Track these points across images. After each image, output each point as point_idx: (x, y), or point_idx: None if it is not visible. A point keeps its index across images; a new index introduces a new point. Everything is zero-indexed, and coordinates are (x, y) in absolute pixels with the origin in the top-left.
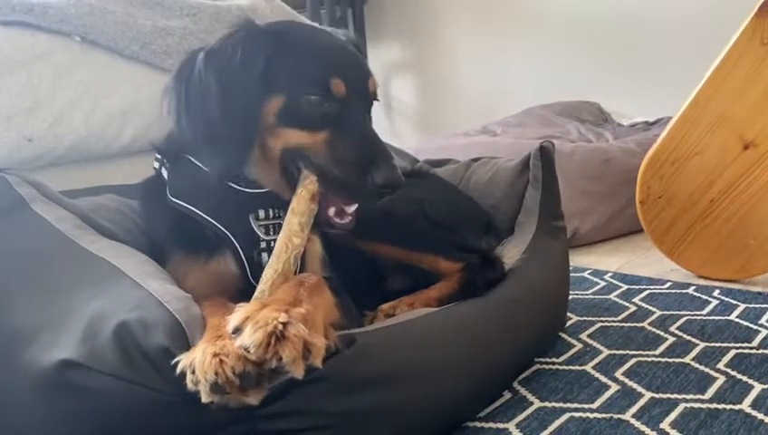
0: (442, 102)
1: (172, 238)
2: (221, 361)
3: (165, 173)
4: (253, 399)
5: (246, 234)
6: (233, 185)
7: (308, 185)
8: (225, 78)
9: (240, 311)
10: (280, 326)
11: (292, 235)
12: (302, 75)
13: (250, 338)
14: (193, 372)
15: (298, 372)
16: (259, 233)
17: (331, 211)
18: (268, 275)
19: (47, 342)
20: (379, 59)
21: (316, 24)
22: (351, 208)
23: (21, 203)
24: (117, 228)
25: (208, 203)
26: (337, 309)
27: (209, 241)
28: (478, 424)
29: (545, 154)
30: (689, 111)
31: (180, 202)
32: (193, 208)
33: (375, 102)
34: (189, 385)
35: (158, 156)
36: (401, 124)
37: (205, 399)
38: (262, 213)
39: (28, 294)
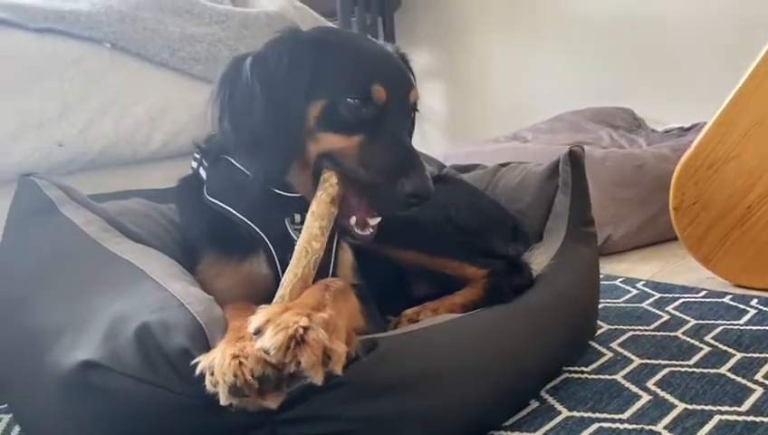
0: (472, 109)
1: (206, 238)
2: (240, 363)
3: (203, 173)
4: (271, 403)
5: (281, 237)
6: (275, 190)
7: (328, 188)
8: (272, 85)
9: (262, 313)
10: (301, 330)
11: (311, 239)
12: (345, 80)
13: (270, 340)
14: (212, 374)
15: (317, 378)
16: (294, 237)
17: (353, 221)
18: (288, 279)
19: (70, 342)
20: None
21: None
22: (374, 221)
23: (50, 206)
24: (143, 231)
25: (245, 204)
26: (362, 316)
27: (243, 242)
28: (503, 433)
29: (575, 158)
30: (726, 114)
31: (217, 201)
32: (229, 208)
33: (415, 113)
34: (208, 387)
35: (197, 155)
36: (431, 131)
37: (223, 401)
38: (298, 217)
39: (54, 295)
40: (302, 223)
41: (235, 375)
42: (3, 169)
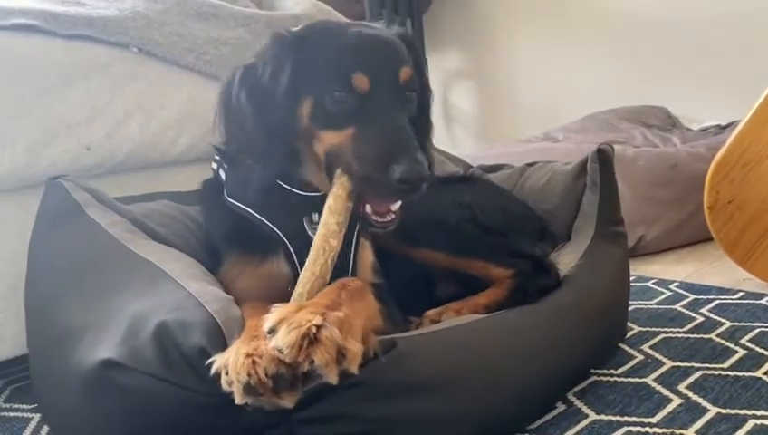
0: (502, 110)
1: (227, 238)
2: (254, 362)
3: (222, 175)
4: (287, 402)
5: (300, 237)
6: (288, 187)
7: (344, 182)
8: (256, 93)
9: (276, 312)
10: (314, 329)
11: (329, 235)
12: (326, 73)
13: (283, 339)
14: (227, 373)
15: (331, 377)
16: (312, 235)
17: (368, 209)
18: (305, 278)
19: (92, 341)
20: (438, 67)
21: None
22: (395, 206)
23: (76, 208)
24: (168, 232)
25: (264, 204)
26: (380, 316)
27: (263, 242)
28: None
29: (603, 156)
30: (761, 110)
31: (236, 202)
32: (248, 209)
33: (411, 93)
34: (224, 386)
35: (217, 157)
36: (461, 133)
37: (238, 400)
38: (316, 216)
39: (78, 295)
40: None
41: (249, 374)
42: (32, 172)
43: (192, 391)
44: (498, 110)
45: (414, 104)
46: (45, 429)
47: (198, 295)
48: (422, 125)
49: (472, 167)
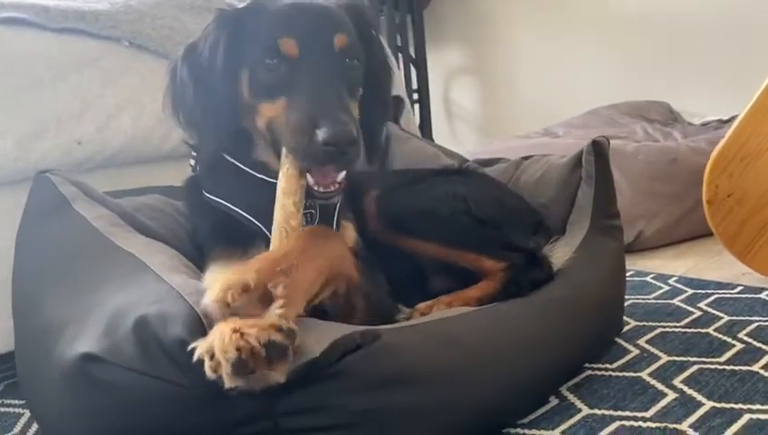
0: (503, 106)
1: (210, 234)
2: (242, 334)
3: (199, 170)
4: (278, 375)
5: None
6: (263, 177)
7: (293, 161)
8: (196, 69)
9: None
10: (228, 282)
11: (288, 217)
12: (257, 43)
13: (210, 296)
14: (212, 358)
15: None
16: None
17: (310, 180)
18: None
19: (73, 335)
20: (438, 63)
21: None
22: (340, 176)
23: (63, 202)
24: (158, 226)
25: (240, 197)
26: (352, 265)
27: (244, 235)
28: (520, 431)
29: (598, 149)
30: (759, 103)
31: (214, 198)
32: (226, 203)
33: (351, 61)
34: (208, 373)
35: (194, 153)
36: (462, 129)
37: (228, 383)
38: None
39: (61, 289)
40: None
41: (238, 348)
42: (23, 166)
43: (173, 383)
44: (499, 105)
45: (357, 74)
46: (36, 425)
47: (179, 288)
48: (376, 103)
49: (468, 160)
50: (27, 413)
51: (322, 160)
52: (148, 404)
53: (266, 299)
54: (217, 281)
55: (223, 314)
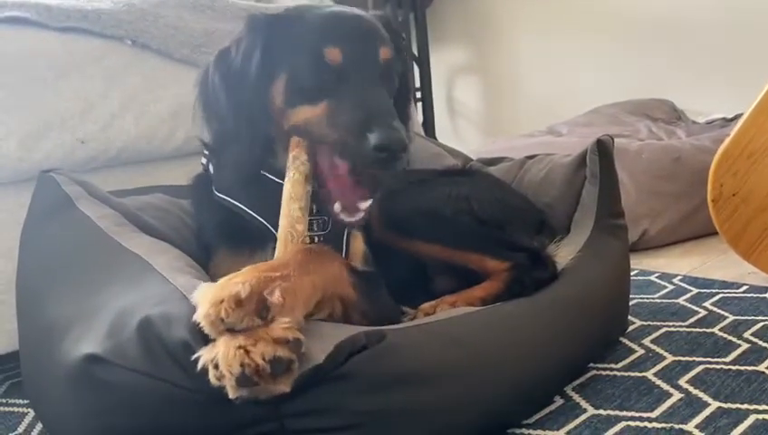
0: (507, 105)
1: (217, 234)
2: (247, 351)
3: (211, 168)
4: (283, 387)
5: None
6: (274, 178)
7: (299, 166)
8: (229, 76)
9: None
10: (219, 295)
11: (294, 222)
12: (299, 50)
13: (200, 312)
14: (216, 367)
15: (245, 324)
16: None
17: (337, 208)
18: None
19: (77, 336)
20: (442, 62)
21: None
22: (365, 204)
23: (67, 201)
24: (162, 225)
25: (252, 197)
26: (351, 287)
27: (253, 236)
28: (525, 431)
29: (603, 148)
30: (765, 100)
31: (224, 197)
32: (236, 203)
33: (391, 72)
34: (213, 381)
35: (206, 152)
36: (465, 127)
37: (232, 394)
38: None
39: (65, 289)
40: None
41: (242, 365)
42: (26, 166)
43: (177, 386)
44: (503, 104)
45: (394, 86)
46: (40, 424)
47: (183, 289)
48: (402, 110)
49: (471, 160)
50: (31, 413)
51: (373, 164)
52: (151, 405)
53: (262, 309)
54: (207, 295)
55: (217, 331)
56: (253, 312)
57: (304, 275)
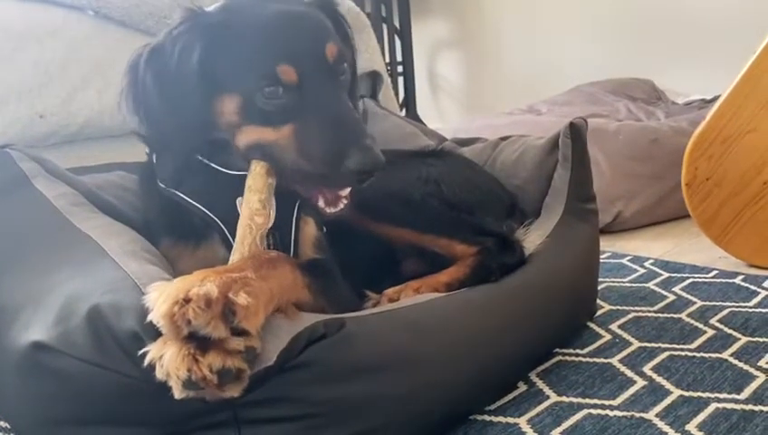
0: (488, 81)
1: (163, 224)
2: (195, 359)
3: (154, 158)
4: (232, 392)
5: (234, 218)
6: (219, 168)
7: (261, 159)
8: (163, 77)
9: (156, 289)
10: (182, 294)
11: (253, 214)
12: (249, 68)
13: (156, 312)
14: (163, 365)
15: (218, 332)
16: None
17: (321, 202)
18: (235, 259)
19: (26, 321)
20: (424, 36)
21: None
22: (345, 192)
23: (22, 179)
24: (122, 205)
25: (195, 187)
26: (306, 289)
27: (198, 226)
28: (486, 417)
29: (575, 131)
30: (742, 84)
31: (167, 188)
32: (180, 194)
33: (341, 67)
34: (159, 376)
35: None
36: (447, 103)
37: (177, 395)
38: None
39: (16, 271)
40: None
41: (189, 370)
42: None
43: (127, 376)
44: (484, 79)
45: (347, 77)
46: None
47: (135, 276)
48: (353, 95)
49: (446, 140)
50: None
51: (352, 185)
52: (100, 395)
53: (228, 313)
54: (164, 292)
55: (181, 335)
56: (219, 315)
57: (262, 279)
